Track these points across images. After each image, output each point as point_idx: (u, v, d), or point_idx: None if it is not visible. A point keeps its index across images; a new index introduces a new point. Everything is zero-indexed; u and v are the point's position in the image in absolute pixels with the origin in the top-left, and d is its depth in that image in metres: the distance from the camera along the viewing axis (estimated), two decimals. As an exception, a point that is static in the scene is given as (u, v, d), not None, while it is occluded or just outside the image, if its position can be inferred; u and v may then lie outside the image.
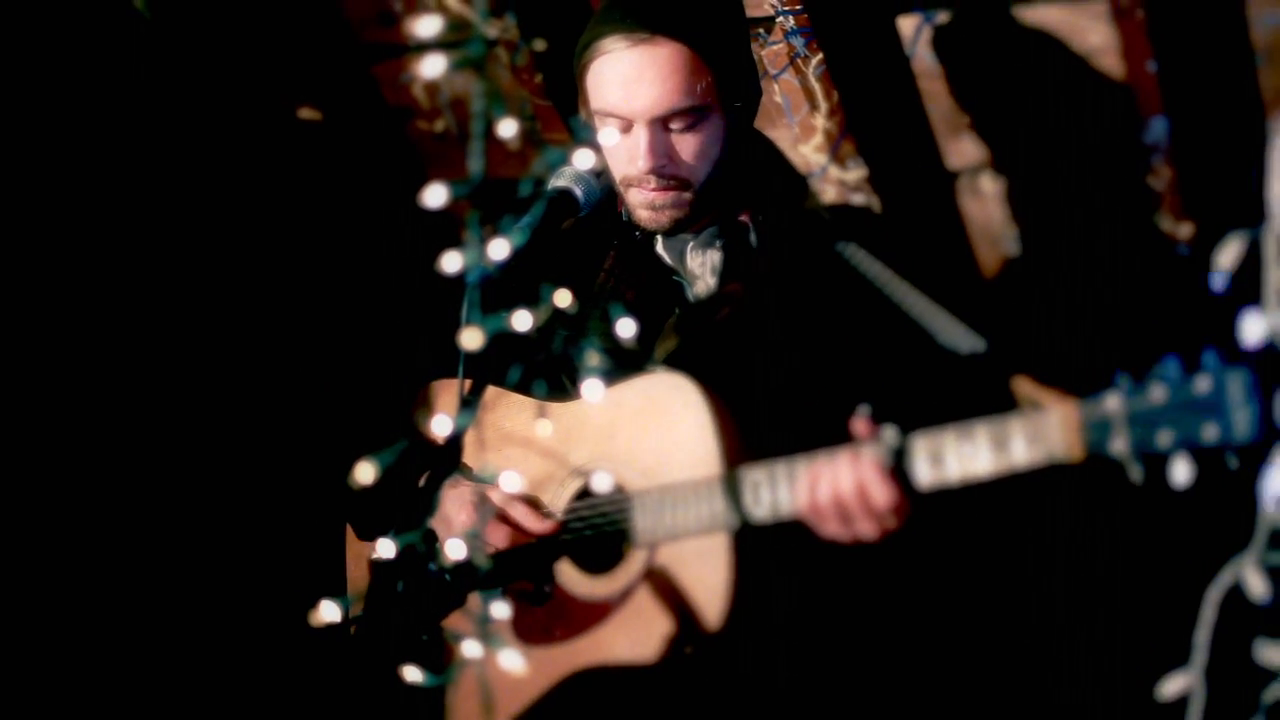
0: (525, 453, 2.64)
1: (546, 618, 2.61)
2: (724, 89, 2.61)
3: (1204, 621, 1.72)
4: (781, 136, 3.48)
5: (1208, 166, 3.11)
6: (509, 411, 2.66)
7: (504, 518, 2.60)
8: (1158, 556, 3.15)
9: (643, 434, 2.54)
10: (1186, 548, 2.84)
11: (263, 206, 3.95)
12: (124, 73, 3.73)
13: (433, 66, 1.80)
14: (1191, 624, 1.75)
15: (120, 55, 3.73)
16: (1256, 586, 1.66)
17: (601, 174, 2.75)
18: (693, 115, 2.59)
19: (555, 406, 2.64)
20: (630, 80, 2.56)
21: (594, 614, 2.55)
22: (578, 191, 2.64)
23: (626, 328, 2.09)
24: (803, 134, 3.40)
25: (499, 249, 1.79)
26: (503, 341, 1.88)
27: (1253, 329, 1.72)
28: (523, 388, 2.63)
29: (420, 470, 2.07)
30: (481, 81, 1.78)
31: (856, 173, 3.41)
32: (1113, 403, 2.03)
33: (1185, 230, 3.18)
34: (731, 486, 2.40)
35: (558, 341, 2.41)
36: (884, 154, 3.41)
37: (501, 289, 2.40)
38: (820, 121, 3.36)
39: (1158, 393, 1.99)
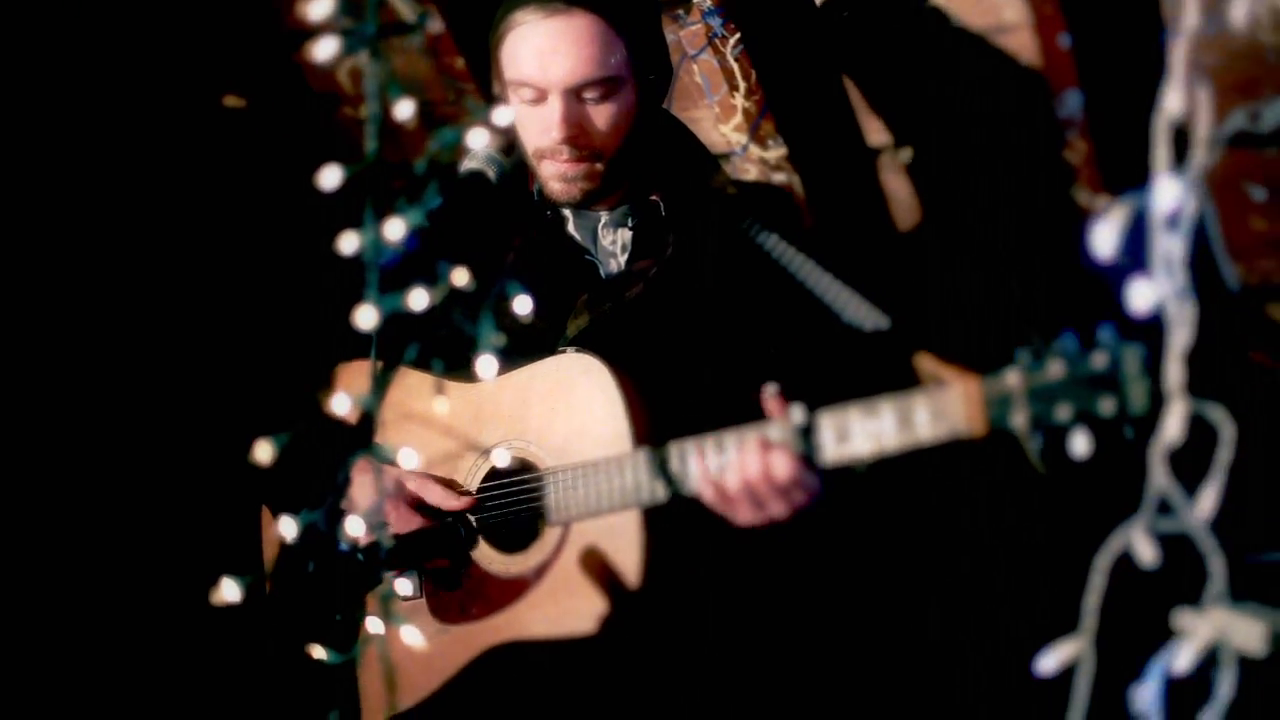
0: (436, 432, 2.65)
1: (464, 596, 2.63)
2: (637, 61, 2.64)
3: (1093, 588, 1.74)
4: (703, 116, 3.49)
5: (1123, 139, 3.13)
6: (415, 390, 2.68)
7: (417, 497, 2.61)
8: (1058, 526, 3.18)
9: (554, 414, 2.57)
10: (1084, 517, 2.87)
11: (185, 193, 3.94)
12: (41, 56, 3.72)
13: (325, 49, 1.80)
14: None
15: (37, 39, 3.72)
16: (1145, 553, 1.67)
17: (512, 152, 2.76)
18: (606, 86, 2.61)
19: (466, 386, 2.65)
20: (545, 51, 2.59)
21: (510, 591, 2.58)
22: (490, 173, 2.65)
23: (523, 305, 2.10)
24: (723, 113, 3.41)
25: (395, 229, 1.79)
26: (404, 320, 1.89)
27: (1140, 298, 1.74)
28: (421, 365, 2.64)
29: (331, 450, 2.08)
30: (375, 62, 1.78)
31: (777, 151, 3.42)
32: (1013, 378, 2.07)
33: (1102, 203, 3.20)
34: (642, 464, 2.43)
35: (456, 319, 2.43)
36: (803, 132, 3.41)
37: (409, 269, 2.42)
38: (740, 101, 3.37)
39: (1056, 368, 2.03)
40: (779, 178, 3.45)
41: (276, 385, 2.78)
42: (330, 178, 1.78)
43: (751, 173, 3.48)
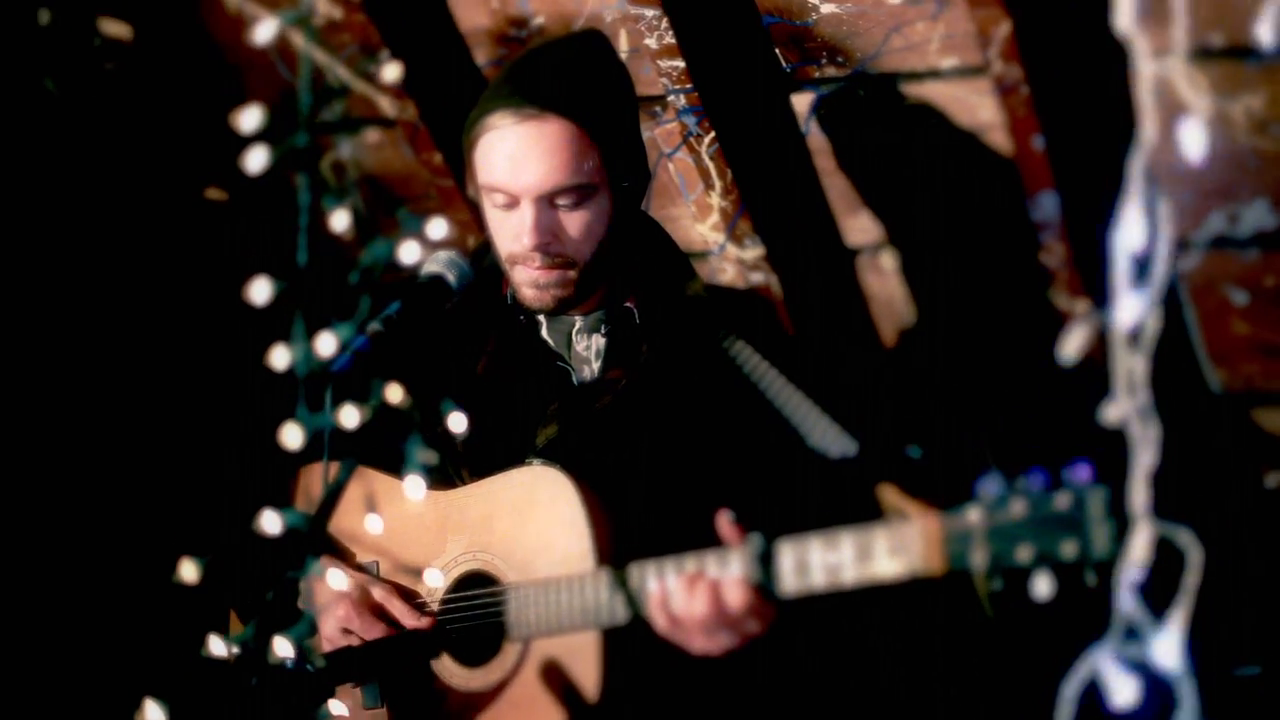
0: (404, 540, 2.62)
1: (424, 709, 2.58)
2: (611, 168, 2.60)
3: (1062, 717, 1.68)
4: (680, 215, 3.47)
5: (1100, 242, 3.09)
6: (385, 495, 2.64)
7: (380, 605, 2.57)
8: (1017, 657, 3.13)
9: (518, 527, 2.54)
10: (1045, 645, 2.83)
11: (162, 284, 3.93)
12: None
13: (256, 161, 1.77)
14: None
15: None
16: (1114, 682, 1.62)
17: (485, 254, 2.73)
18: (579, 193, 2.57)
19: (438, 493, 2.62)
20: (517, 157, 2.54)
21: (470, 706, 2.54)
22: (450, 277, 2.62)
23: (458, 423, 2.06)
24: (699, 212, 3.38)
25: (326, 344, 1.75)
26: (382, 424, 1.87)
27: (1107, 416, 1.69)
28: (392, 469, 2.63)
29: (264, 564, 2.05)
30: (302, 175, 1.75)
31: (754, 251, 3.39)
32: (974, 515, 2.02)
33: (1081, 307, 3.16)
34: (602, 584, 2.41)
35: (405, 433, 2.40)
36: (781, 232, 3.39)
37: (363, 373, 2.38)
38: (715, 200, 3.34)
39: (1018, 507, 1.98)
40: (757, 278, 3.42)
41: (210, 498, 2.75)
42: (260, 291, 1.73)
43: (729, 272, 3.45)
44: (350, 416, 1.76)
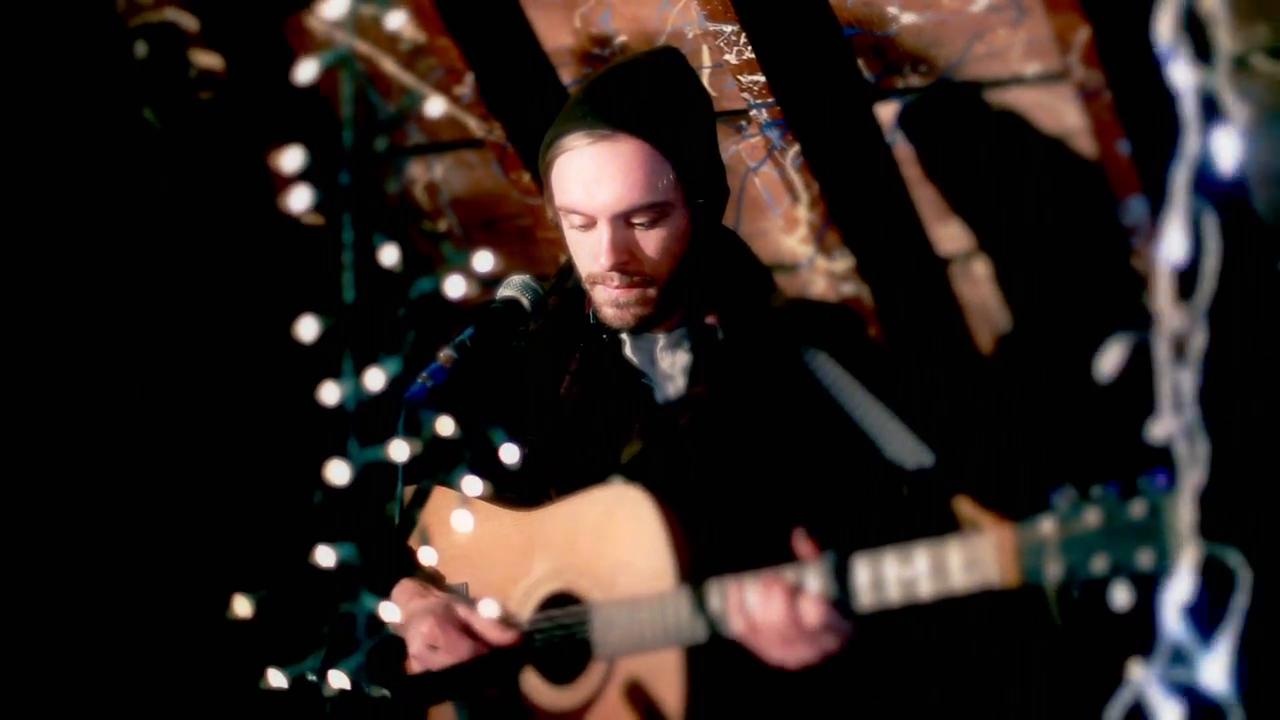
0: (491, 560, 2.63)
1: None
2: (687, 185, 2.60)
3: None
4: (771, 228, 3.45)
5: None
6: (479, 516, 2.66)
7: (466, 623, 2.58)
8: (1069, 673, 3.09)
9: (600, 546, 2.54)
10: (1096, 665, 2.78)
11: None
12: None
13: (299, 200, 1.78)
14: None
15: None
16: (1164, 709, 1.59)
17: (560, 277, 2.74)
18: (655, 211, 2.56)
19: (524, 514, 2.63)
20: (591, 177, 2.55)
21: None
22: (524, 301, 2.64)
23: (510, 454, 2.07)
24: (787, 226, 3.37)
25: (375, 379, 1.76)
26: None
27: (1154, 433, 1.66)
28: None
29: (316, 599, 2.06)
30: (345, 215, 1.76)
31: (844, 262, 3.37)
32: (1048, 526, 1.99)
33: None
34: (683, 603, 2.40)
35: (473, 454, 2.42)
36: (869, 242, 3.36)
37: (442, 399, 2.40)
38: (803, 213, 3.32)
39: (1092, 516, 1.95)
40: (848, 289, 3.40)
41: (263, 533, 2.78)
42: (308, 329, 1.75)
43: (820, 285, 3.43)
44: (400, 450, 1.76)
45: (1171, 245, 1.63)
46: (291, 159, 1.75)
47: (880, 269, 3.40)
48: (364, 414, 1.79)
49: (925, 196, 3.35)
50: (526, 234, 3.82)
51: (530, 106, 3.47)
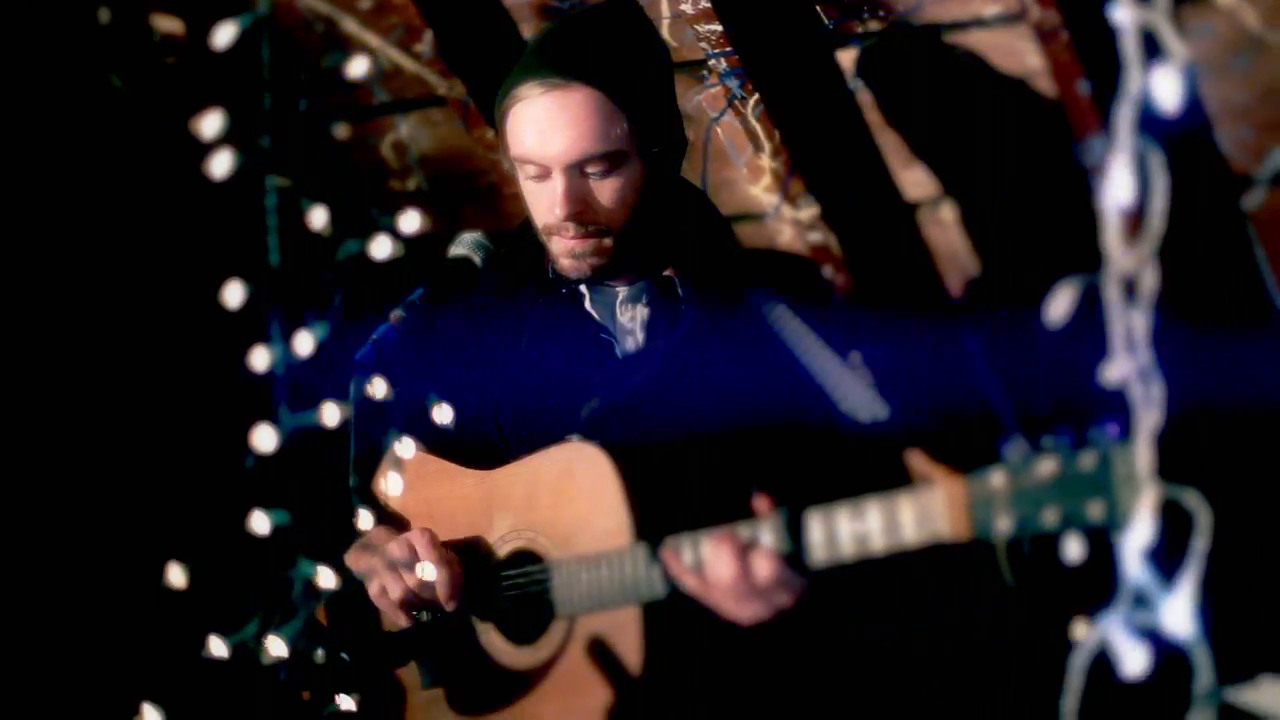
0: (452, 520, 2.63)
1: (479, 688, 2.60)
2: (641, 135, 2.58)
3: (1071, 690, 1.64)
4: (737, 178, 3.43)
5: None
6: (434, 478, 2.66)
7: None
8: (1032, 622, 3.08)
9: (558, 505, 2.54)
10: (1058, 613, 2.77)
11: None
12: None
13: (220, 165, 1.76)
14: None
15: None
16: (1125, 654, 1.58)
17: (527, 231, 2.72)
18: (608, 161, 2.55)
19: (483, 473, 2.64)
20: (544, 127, 2.54)
21: (523, 683, 2.55)
22: (476, 259, 2.63)
23: (443, 414, 2.05)
24: (752, 175, 3.34)
25: (304, 343, 1.75)
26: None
27: (1107, 376, 1.64)
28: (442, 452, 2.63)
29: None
30: (270, 179, 1.75)
31: (809, 210, 3.34)
32: (998, 479, 1.98)
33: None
34: (640, 559, 2.41)
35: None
36: (835, 190, 3.34)
37: (393, 358, 2.40)
38: (766, 161, 3.30)
39: (1045, 467, 1.92)
40: (815, 237, 3.38)
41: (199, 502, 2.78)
42: (234, 294, 1.73)
43: (786, 234, 3.41)
44: (331, 414, 1.75)
45: (1117, 186, 1.60)
46: (211, 124, 1.73)
47: (847, 216, 3.37)
48: (298, 378, 1.78)
49: (889, 142, 3.32)
50: (494, 190, 3.81)
51: (490, 62, 3.45)
